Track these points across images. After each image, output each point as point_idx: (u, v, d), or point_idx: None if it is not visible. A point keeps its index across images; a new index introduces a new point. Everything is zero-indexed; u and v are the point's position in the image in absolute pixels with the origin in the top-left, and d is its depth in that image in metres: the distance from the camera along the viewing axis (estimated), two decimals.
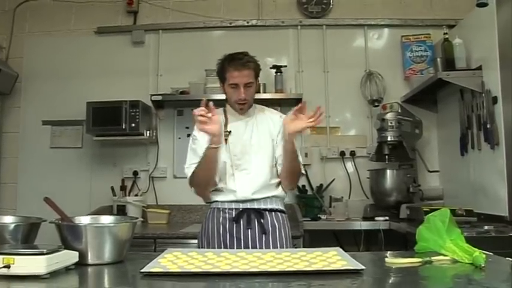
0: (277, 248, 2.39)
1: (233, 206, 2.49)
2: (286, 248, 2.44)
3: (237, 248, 2.34)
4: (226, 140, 2.48)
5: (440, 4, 4.46)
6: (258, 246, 2.40)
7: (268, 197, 2.50)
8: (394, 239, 3.52)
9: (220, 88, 2.63)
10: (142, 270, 1.49)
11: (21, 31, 4.65)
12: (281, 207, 2.58)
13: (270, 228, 2.46)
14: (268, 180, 2.50)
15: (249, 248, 2.37)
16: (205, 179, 2.44)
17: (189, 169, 2.47)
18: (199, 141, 2.45)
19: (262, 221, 2.46)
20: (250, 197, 2.47)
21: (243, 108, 2.54)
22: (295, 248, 3.31)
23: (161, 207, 4.24)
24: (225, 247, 2.40)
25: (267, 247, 2.40)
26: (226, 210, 2.49)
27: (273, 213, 2.51)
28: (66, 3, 4.61)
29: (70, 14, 4.65)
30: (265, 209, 2.49)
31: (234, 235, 2.44)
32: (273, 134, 2.56)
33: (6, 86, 4.42)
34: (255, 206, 2.48)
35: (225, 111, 2.60)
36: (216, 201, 2.52)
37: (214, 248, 2.42)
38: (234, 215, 2.47)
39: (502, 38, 3.14)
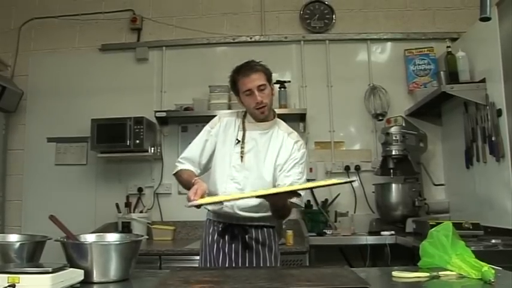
0: (260, 262, 2.48)
1: (221, 219, 2.54)
2: (270, 261, 2.51)
3: (221, 260, 2.50)
4: (240, 144, 2.51)
5: (442, 17, 4.48)
6: (240, 261, 2.48)
7: (255, 217, 2.49)
8: (401, 253, 3.50)
9: (239, 103, 2.61)
10: None
11: (26, 49, 4.69)
12: (269, 223, 2.56)
13: (254, 244, 2.50)
14: (259, 204, 2.42)
15: (232, 261, 2.48)
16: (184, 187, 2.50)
17: (177, 165, 2.59)
18: (203, 140, 2.57)
19: (246, 236, 2.50)
20: (236, 214, 2.47)
21: (264, 111, 2.49)
22: (296, 264, 3.33)
23: (166, 224, 4.23)
24: (212, 258, 2.53)
25: (250, 261, 2.47)
26: (215, 223, 2.57)
27: (259, 229, 2.53)
28: (70, 21, 4.65)
29: (74, 31, 4.69)
30: (251, 226, 2.52)
31: (220, 247, 2.52)
32: (280, 158, 2.51)
33: (11, 104, 4.45)
34: (241, 222, 2.50)
35: (243, 122, 2.57)
36: (208, 210, 2.60)
37: (207, 256, 2.56)
38: (220, 229, 2.53)
39: (505, 51, 3.15)
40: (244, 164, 2.48)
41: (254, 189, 2.43)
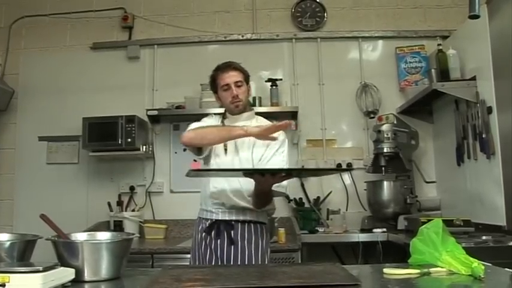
0: (245, 258, 2.51)
1: (208, 216, 2.60)
2: (255, 258, 2.53)
3: (208, 257, 2.56)
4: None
5: (433, 15, 4.50)
6: (225, 256, 2.52)
7: (241, 208, 2.54)
8: (393, 251, 3.51)
9: (217, 101, 2.75)
10: None
11: (17, 47, 4.66)
12: (256, 218, 2.59)
13: (239, 239, 2.54)
14: (244, 190, 2.50)
15: (218, 258, 2.53)
16: (203, 139, 2.53)
17: (190, 130, 2.57)
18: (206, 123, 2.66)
19: (232, 232, 2.54)
20: (222, 200, 2.54)
21: (238, 105, 2.62)
22: (288, 262, 3.33)
23: (158, 222, 4.23)
24: (201, 255, 2.59)
25: (235, 257, 2.51)
26: (203, 221, 2.63)
27: (246, 224, 2.57)
28: (61, 20, 4.63)
29: (66, 30, 4.67)
30: (237, 221, 2.56)
31: (207, 244, 2.58)
32: (257, 146, 2.56)
33: (2, 102, 4.43)
34: (226, 217, 2.56)
35: (223, 121, 2.69)
36: (200, 206, 2.68)
37: (195, 254, 2.63)
38: (207, 225, 2.60)
39: (495, 48, 3.17)
40: (227, 157, 2.56)
41: (238, 180, 2.49)
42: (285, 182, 2.41)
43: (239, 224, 2.56)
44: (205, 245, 2.58)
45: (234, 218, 2.55)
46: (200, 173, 2.43)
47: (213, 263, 2.50)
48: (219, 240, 2.54)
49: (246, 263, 2.49)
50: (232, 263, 2.48)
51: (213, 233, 2.57)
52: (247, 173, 2.27)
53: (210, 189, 2.56)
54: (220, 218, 2.56)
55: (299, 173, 2.43)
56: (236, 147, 2.57)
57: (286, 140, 2.66)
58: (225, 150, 2.57)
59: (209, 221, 2.59)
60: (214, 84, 2.69)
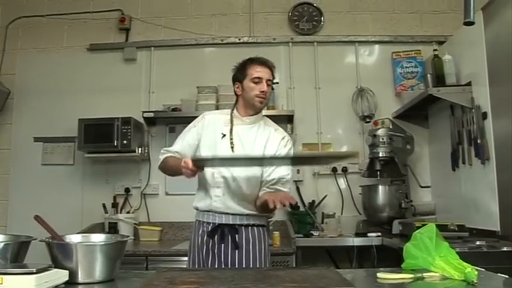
0: (250, 262, 2.47)
1: (210, 219, 2.52)
2: (260, 261, 2.51)
3: (211, 261, 2.48)
4: (227, 137, 2.53)
5: (429, 21, 4.52)
6: (230, 261, 2.47)
7: (245, 213, 2.50)
8: (387, 255, 3.51)
9: (237, 89, 2.60)
10: None
11: (13, 48, 4.65)
12: (259, 221, 2.56)
13: (244, 243, 2.50)
14: (248, 196, 2.48)
15: (221, 262, 2.47)
16: (171, 173, 2.60)
17: (162, 155, 2.65)
18: (187, 136, 2.62)
19: (236, 236, 2.49)
20: (225, 210, 2.49)
21: (263, 102, 2.55)
22: (283, 265, 3.33)
23: (153, 225, 4.22)
24: (202, 259, 2.51)
25: (240, 261, 2.46)
26: (204, 224, 2.55)
27: (249, 228, 2.53)
28: (58, 21, 4.63)
29: (62, 31, 4.66)
30: (241, 225, 2.51)
31: (210, 248, 2.51)
32: (267, 151, 2.52)
33: None
34: (230, 221, 2.50)
35: (231, 116, 2.61)
36: (197, 209, 2.59)
37: (195, 258, 2.55)
38: (210, 229, 2.52)
39: (490, 54, 3.18)
40: (233, 155, 2.49)
41: (243, 176, 2.46)
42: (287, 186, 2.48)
43: (243, 227, 2.51)
44: (207, 249, 2.51)
45: (238, 222, 2.50)
46: (204, 162, 2.33)
47: (216, 267, 2.46)
48: (223, 245, 2.48)
49: (251, 266, 2.46)
50: (237, 267, 2.44)
51: (216, 237, 2.50)
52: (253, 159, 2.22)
53: (212, 200, 2.50)
54: (224, 222, 2.50)
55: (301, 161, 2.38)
56: (245, 151, 2.52)
57: (293, 148, 2.66)
58: (232, 148, 2.50)
59: (211, 225, 2.52)
60: (242, 72, 2.57)
